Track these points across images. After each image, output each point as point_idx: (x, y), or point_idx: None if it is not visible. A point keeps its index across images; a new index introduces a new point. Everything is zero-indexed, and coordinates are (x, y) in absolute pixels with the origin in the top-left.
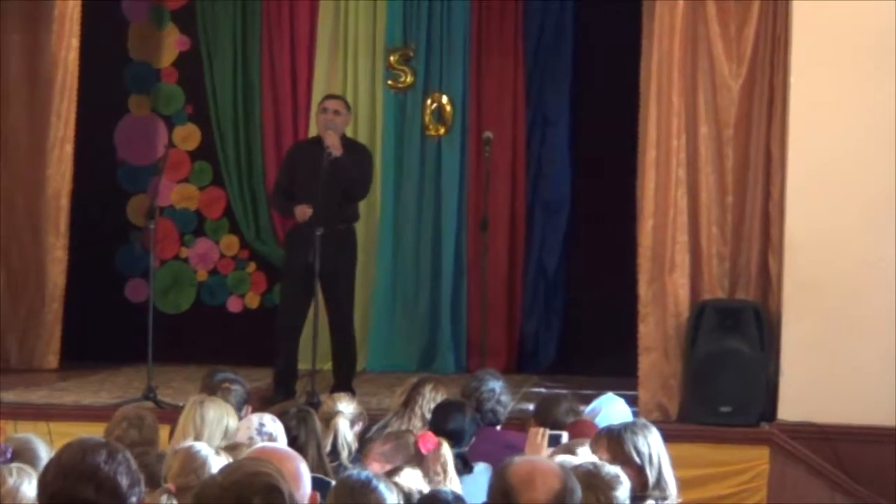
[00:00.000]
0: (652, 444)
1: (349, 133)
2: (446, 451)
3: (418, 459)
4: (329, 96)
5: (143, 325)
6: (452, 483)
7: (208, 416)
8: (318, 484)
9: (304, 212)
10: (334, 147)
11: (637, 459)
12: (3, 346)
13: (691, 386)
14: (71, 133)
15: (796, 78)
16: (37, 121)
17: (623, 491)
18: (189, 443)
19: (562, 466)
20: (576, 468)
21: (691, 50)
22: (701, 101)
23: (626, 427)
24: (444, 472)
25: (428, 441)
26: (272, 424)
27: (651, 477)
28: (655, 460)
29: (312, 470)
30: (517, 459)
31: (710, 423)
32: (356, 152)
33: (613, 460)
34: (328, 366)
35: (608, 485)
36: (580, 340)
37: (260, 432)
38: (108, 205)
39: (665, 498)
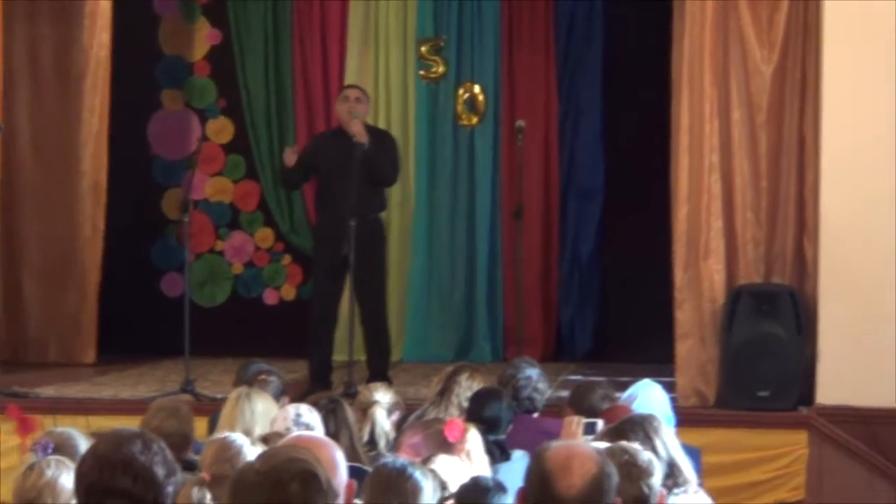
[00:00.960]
0: (655, 436)
1: (382, 123)
2: (473, 437)
3: (448, 448)
4: (348, 86)
5: (179, 319)
6: (481, 470)
7: (258, 409)
8: (355, 472)
9: (290, 156)
10: (360, 135)
11: None
12: (41, 341)
13: (728, 371)
14: (105, 128)
15: (828, 62)
16: (70, 117)
17: (658, 476)
18: (224, 433)
19: (599, 451)
20: (611, 456)
21: (723, 36)
22: (733, 87)
23: (625, 423)
24: (471, 459)
25: (454, 429)
26: (309, 415)
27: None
28: (663, 452)
29: (346, 460)
30: (554, 444)
31: (748, 408)
32: (381, 139)
33: None
34: (364, 357)
35: (646, 472)
36: (616, 328)
37: (297, 422)
38: (143, 199)
39: (680, 485)
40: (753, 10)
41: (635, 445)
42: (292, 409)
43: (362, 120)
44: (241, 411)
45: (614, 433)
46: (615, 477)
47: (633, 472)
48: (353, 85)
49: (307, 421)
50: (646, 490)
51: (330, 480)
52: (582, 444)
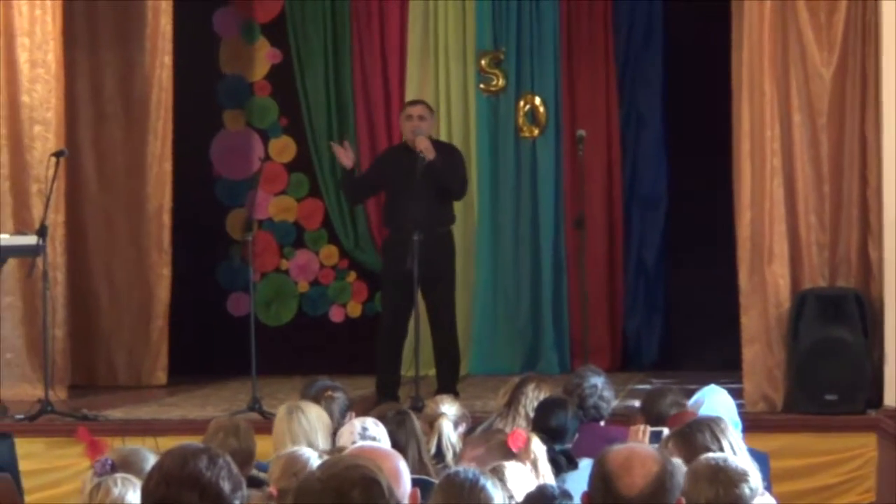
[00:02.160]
0: (722, 437)
1: (444, 137)
2: (537, 447)
3: (511, 458)
4: (411, 102)
5: (246, 339)
6: (546, 479)
7: (311, 418)
8: (421, 485)
9: (342, 153)
10: (427, 151)
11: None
12: (110, 364)
13: (796, 376)
14: (168, 150)
15: (888, 62)
16: (134, 139)
17: (747, 488)
18: (291, 448)
19: (660, 451)
20: (701, 461)
21: (781, 39)
22: (793, 90)
23: (692, 426)
24: (536, 468)
25: (517, 439)
26: (375, 428)
27: None
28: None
29: (414, 471)
30: (615, 447)
31: (816, 413)
32: (448, 153)
33: (686, 461)
34: (432, 371)
35: (733, 480)
36: (683, 335)
37: (363, 436)
38: (208, 220)
39: None
40: (812, 11)
41: (724, 454)
42: (358, 422)
43: (427, 136)
44: (299, 424)
45: (682, 435)
46: (678, 476)
47: (719, 477)
48: (416, 101)
49: (373, 434)
50: (739, 494)
51: (392, 488)
52: (643, 445)
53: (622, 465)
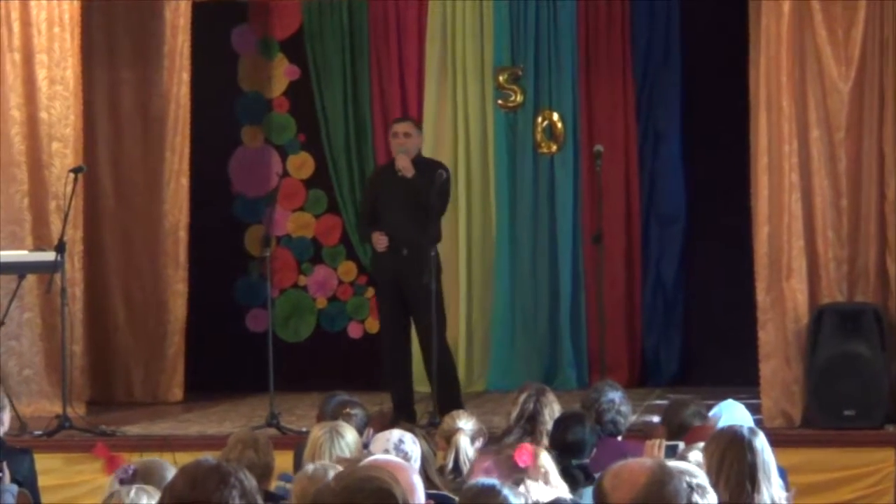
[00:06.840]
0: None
1: (462, 153)
2: (546, 460)
3: (520, 472)
4: (397, 120)
5: (264, 355)
6: (560, 492)
7: (349, 439)
8: (438, 500)
9: (379, 240)
10: (406, 170)
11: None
12: (127, 379)
13: (814, 391)
14: (186, 167)
15: None
16: (151, 156)
17: (711, 497)
18: (315, 465)
19: (659, 464)
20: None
21: (799, 55)
22: (811, 106)
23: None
24: (547, 482)
25: (523, 454)
26: (412, 445)
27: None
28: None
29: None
30: (617, 463)
31: (834, 428)
32: (430, 171)
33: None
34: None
35: (699, 489)
36: (701, 351)
37: (398, 448)
38: (226, 236)
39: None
40: (830, 27)
41: (690, 465)
42: (396, 433)
43: (411, 154)
44: (339, 448)
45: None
46: (673, 486)
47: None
48: (402, 118)
49: (407, 450)
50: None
51: (407, 500)
52: (643, 459)
53: (613, 478)
